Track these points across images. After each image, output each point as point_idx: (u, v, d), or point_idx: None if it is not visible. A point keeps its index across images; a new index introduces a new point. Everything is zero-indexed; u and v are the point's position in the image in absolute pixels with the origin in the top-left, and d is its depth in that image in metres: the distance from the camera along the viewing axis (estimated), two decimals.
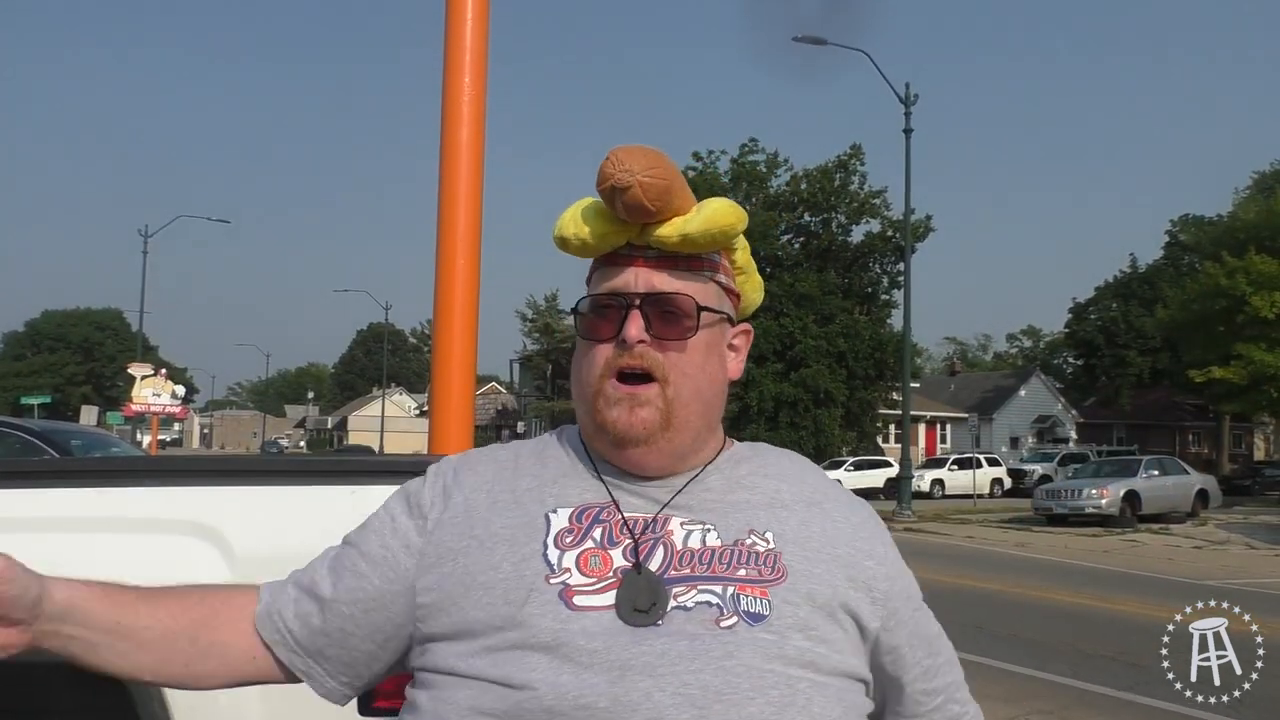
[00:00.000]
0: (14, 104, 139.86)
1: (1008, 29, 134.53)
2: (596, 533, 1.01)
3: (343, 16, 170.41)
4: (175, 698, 1.65)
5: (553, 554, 0.99)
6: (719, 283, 1.09)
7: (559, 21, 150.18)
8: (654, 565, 0.99)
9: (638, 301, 1.03)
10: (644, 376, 1.02)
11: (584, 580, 0.97)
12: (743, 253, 1.15)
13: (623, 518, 1.02)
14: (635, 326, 1.02)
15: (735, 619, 0.95)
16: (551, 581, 0.97)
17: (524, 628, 0.94)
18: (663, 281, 1.04)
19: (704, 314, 1.05)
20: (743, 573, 0.98)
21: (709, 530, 1.02)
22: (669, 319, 1.03)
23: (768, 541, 1.02)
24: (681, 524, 1.02)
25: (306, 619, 1.06)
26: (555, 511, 1.03)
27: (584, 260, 1.12)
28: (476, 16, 2.86)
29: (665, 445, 1.03)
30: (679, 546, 1.00)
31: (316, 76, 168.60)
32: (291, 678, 1.08)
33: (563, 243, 1.09)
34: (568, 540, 1.00)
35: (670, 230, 1.04)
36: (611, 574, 0.97)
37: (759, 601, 0.97)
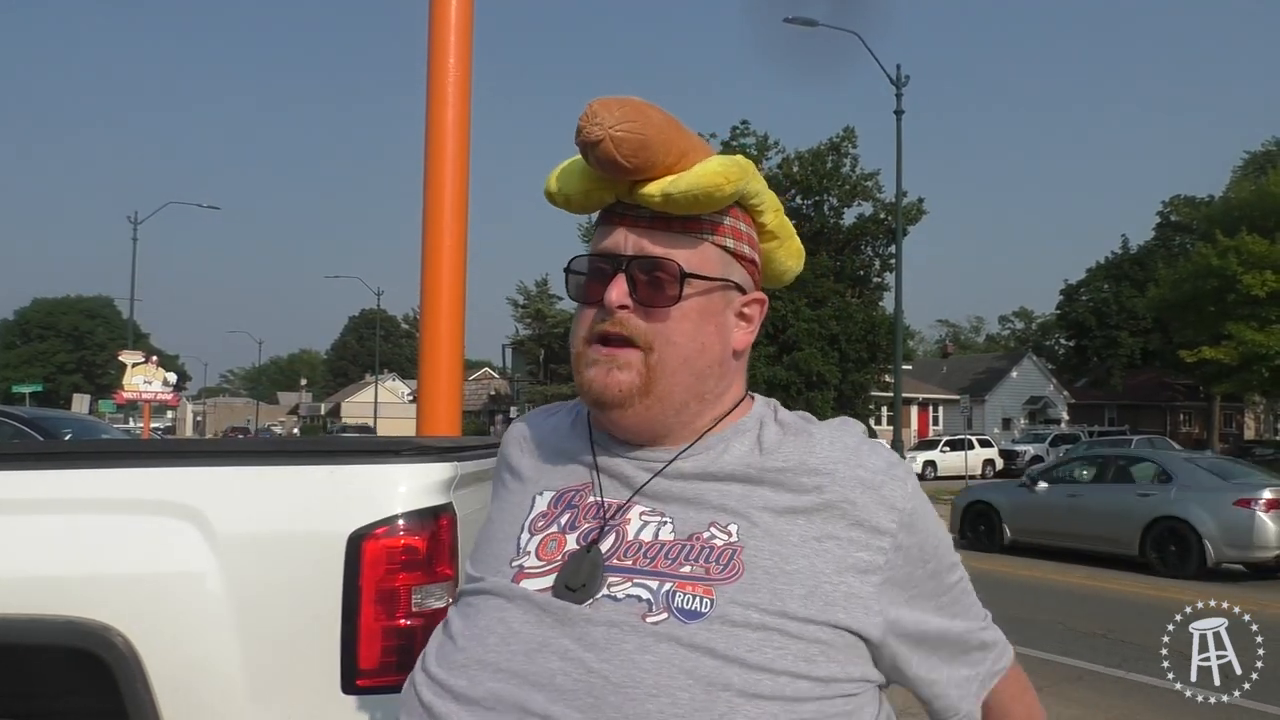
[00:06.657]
0: (1, 91, 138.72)
1: (999, 10, 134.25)
2: (565, 518, 1.02)
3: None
4: (161, 680, 1.66)
5: (524, 538, 1.02)
6: (723, 246, 1.02)
7: (547, 1, 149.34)
8: (602, 550, 0.97)
9: (624, 265, 0.99)
10: (626, 341, 0.98)
11: (537, 564, 0.99)
12: (774, 215, 1.08)
13: (593, 502, 1.01)
14: (616, 291, 0.98)
15: (665, 615, 0.90)
16: (512, 564, 1.00)
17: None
18: (653, 244, 0.99)
19: (693, 281, 0.99)
20: (687, 569, 0.93)
21: (665, 523, 0.97)
22: (656, 284, 0.98)
23: (729, 535, 0.95)
24: (641, 514, 0.99)
25: None
26: (541, 494, 1.05)
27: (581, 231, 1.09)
28: None
29: (644, 411, 0.99)
30: (629, 537, 0.97)
31: (305, 61, 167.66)
32: None
33: (549, 196, 1.06)
34: (540, 524, 1.03)
35: (655, 189, 0.98)
36: (560, 557, 0.98)
37: (698, 599, 0.91)
